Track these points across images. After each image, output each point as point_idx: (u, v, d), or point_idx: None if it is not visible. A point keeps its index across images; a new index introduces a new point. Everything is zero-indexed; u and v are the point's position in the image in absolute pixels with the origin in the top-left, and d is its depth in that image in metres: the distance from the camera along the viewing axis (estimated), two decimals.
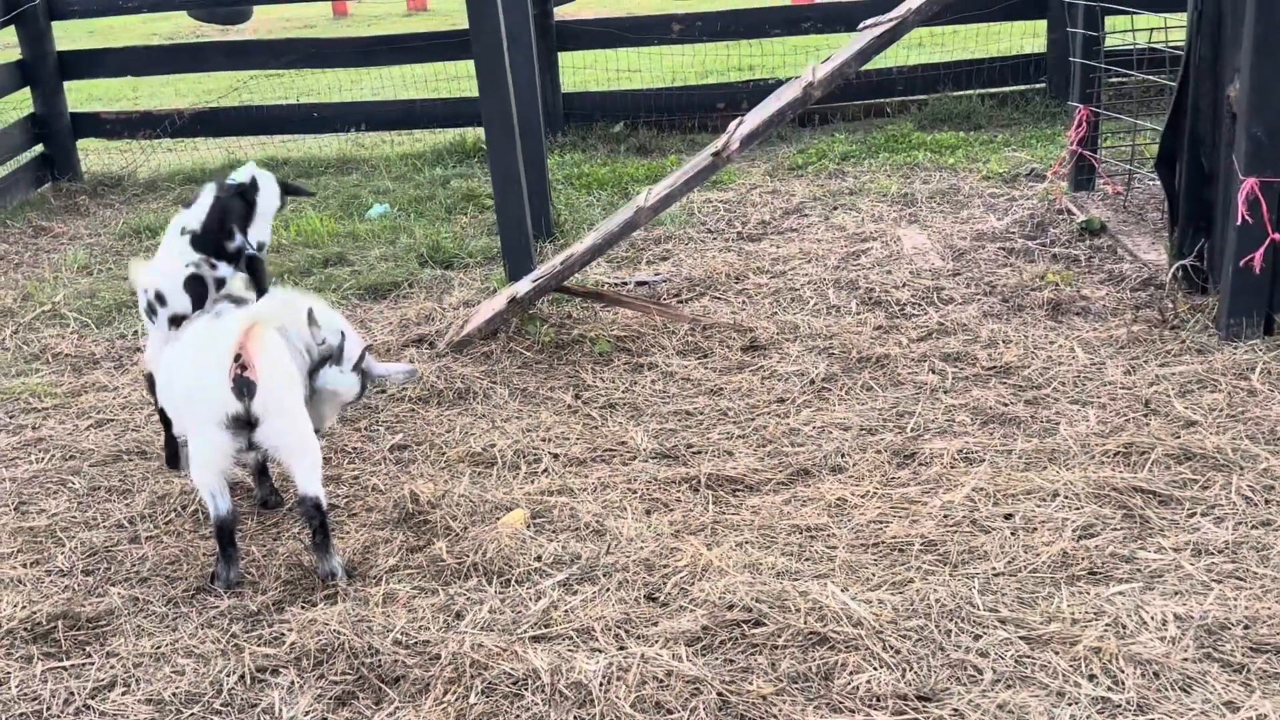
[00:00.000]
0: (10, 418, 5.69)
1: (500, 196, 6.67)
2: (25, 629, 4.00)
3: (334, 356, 4.52)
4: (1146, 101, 8.02)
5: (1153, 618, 3.61)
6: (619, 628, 3.78)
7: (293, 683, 3.65)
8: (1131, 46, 7.52)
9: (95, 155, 10.85)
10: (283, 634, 3.87)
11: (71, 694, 3.69)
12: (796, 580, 3.92)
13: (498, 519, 4.45)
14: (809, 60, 6.47)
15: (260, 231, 4.60)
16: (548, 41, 9.96)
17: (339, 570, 4.14)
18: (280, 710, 3.54)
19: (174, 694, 3.64)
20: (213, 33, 17.98)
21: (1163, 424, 4.76)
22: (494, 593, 4.02)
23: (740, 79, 11.14)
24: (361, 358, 4.65)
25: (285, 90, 12.16)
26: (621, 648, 3.67)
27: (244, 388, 3.95)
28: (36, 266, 8.02)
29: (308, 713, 3.52)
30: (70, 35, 13.43)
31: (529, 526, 4.43)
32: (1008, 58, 10.31)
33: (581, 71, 11.19)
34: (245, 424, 4.00)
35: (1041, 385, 5.21)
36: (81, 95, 13.04)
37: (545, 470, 4.86)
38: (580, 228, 7.73)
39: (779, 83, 8.89)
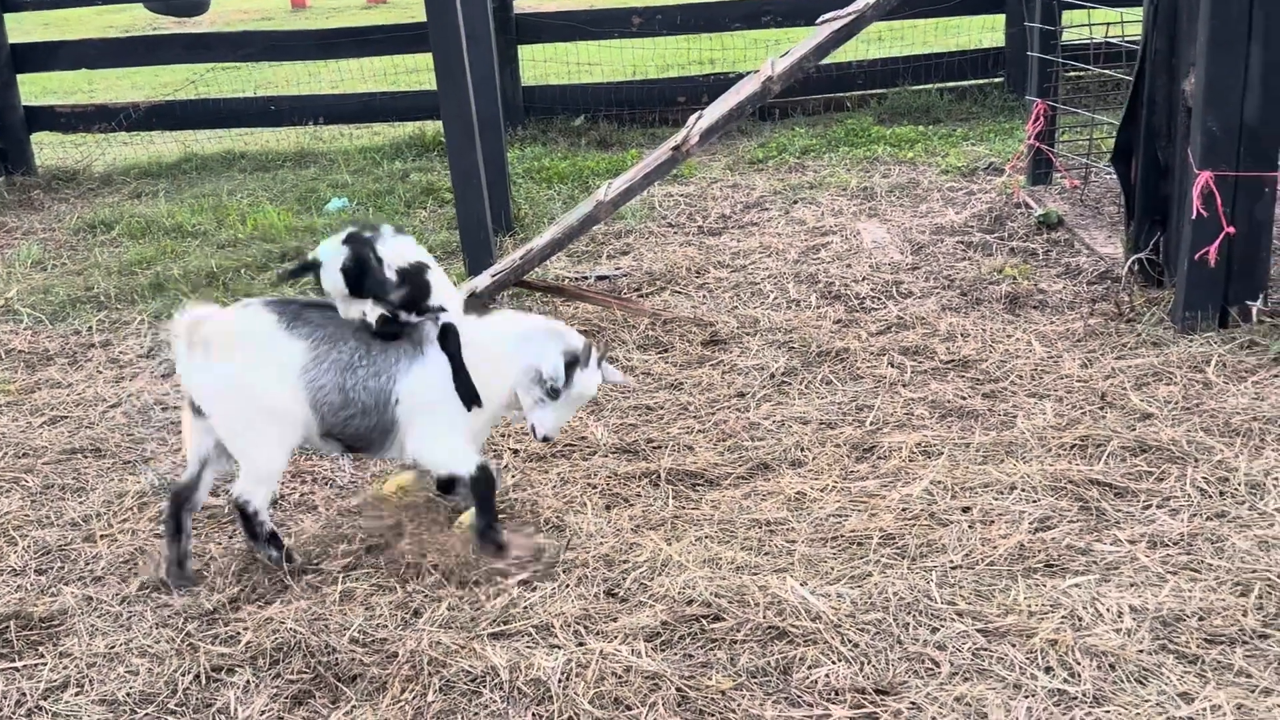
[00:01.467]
0: None
1: (459, 191, 6.64)
2: None
3: (580, 359, 4.19)
4: (1103, 96, 8.07)
5: (1109, 610, 3.63)
6: (578, 624, 3.76)
7: (248, 682, 3.62)
8: (1089, 41, 7.56)
9: (50, 149, 10.74)
10: (238, 633, 3.83)
11: (24, 695, 3.64)
12: (756, 574, 3.92)
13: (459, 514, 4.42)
14: (769, 54, 6.48)
15: (345, 309, 4.17)
16: (507, 35, 9.93)
17: (274, 556, 4.18)
18: (236, 710, 3.51)
19: (128, 694, 3.60)
20: (170, 25, 17.82)
21: (1119, 416, 4.80)
22: (452, 590, 4.00)
23: (700, 73, 11.12)
24: (598, 357, 4.32)
25: (242, 83, 12.08)
26: (581, 644, 3.66)
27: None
28: None
29: (263, 712, 3.49)
30: (24, 27, 13.26)
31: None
32: (966, 52, 10.35)
33: (541, 65, 11.15)
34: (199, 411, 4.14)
35: (999, 378, 5.24)
36: (35, 89, 12.89)
37: (505, 465, 4.84)
38: (540, 222, 7.71)
39: (739, 77, 8.88)
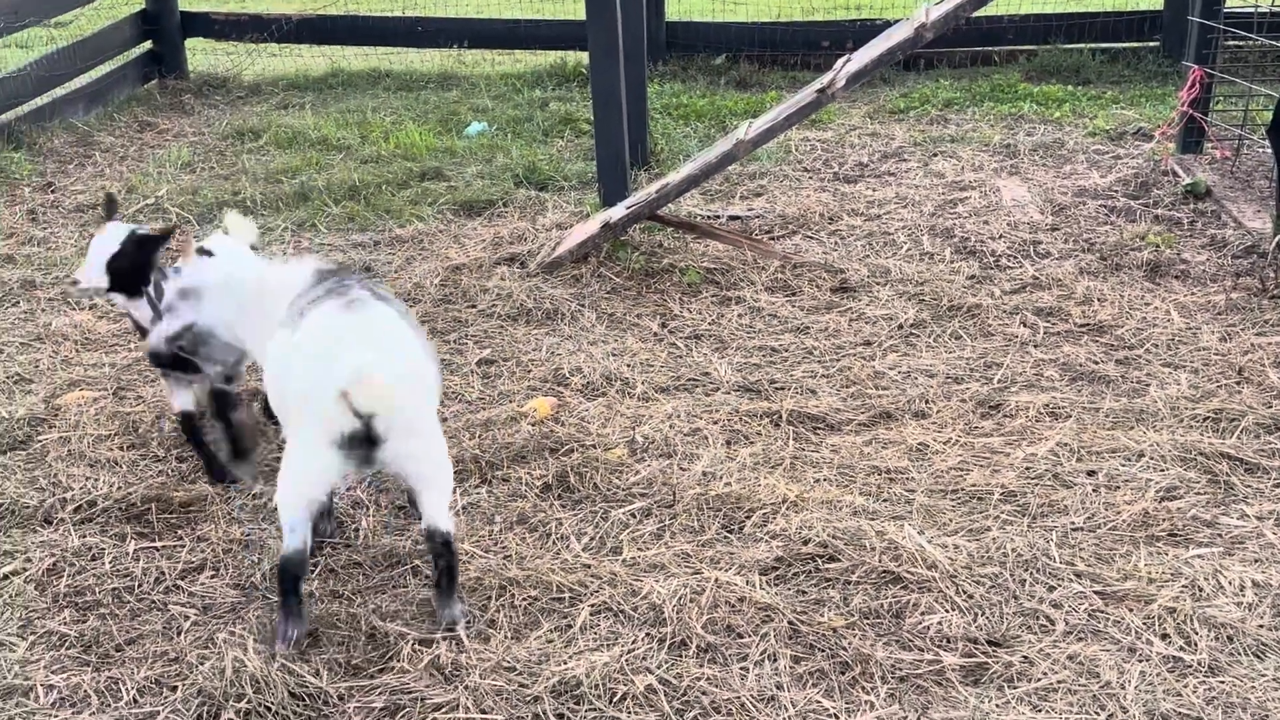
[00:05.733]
0: (111, 306, 5.82)
1: (600, 121, 6.67)
2: (120, 509, 4.15)
3: None
4: (1263, 67, 7.82)
5: (1230, 583, 3.59)
6: (695, 554, 3.83)
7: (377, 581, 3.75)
8: (1253, 9, 7.32)
9: (202, 55, 10.99)
10: (369, 539, 3.97)
11: (162, 573, 3.83)
12: (873, 520, 3.95)
13: (603, 446, 4.50)
14: (918, 2, 6.40)
15: None
16: None
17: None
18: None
19: (263, 576, 3.76)
20: None
21: (1255, 392, 4.70)
22: (573, 513, 4.09)
23: (847, 18, 10.98)
24: None
25: (390, 2, 12.21)
26: (696, 572, 3.73)
27: None
28: (141, 161, 8.17)
29: (374, 610, 3.62)
30: None
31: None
32: (1122, 13, 10.07)
33: (687, 1, 11.10)
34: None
35: (1134, 346, 5.16)
36: None
37: (629, 396, 4.90)
38: (676, 158, 7.72)
39: (886, 24, 8.77)
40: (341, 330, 3.43)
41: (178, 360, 4.19)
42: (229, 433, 4.32)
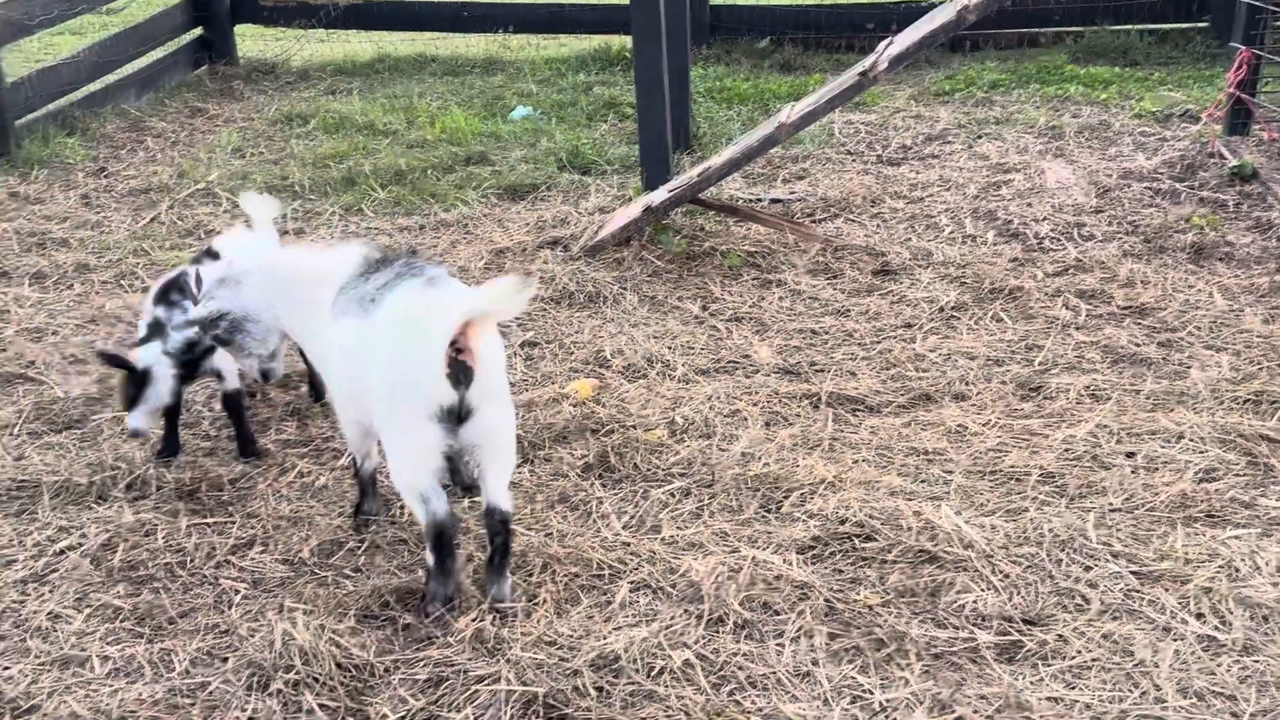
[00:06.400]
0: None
1: (642, 105, 6.71)
2: (171, 487, 4.24)
3: None
4: None
5: (1267, 563, 3.60)
6: (733, 532, 3.88)
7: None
8: None
9: (251, 41, 11.11)
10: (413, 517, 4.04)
11: (213, 549, 3.92)
12: (911, 500, 3.98)
13: (644, 427, 4.55)
14: None
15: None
16: None
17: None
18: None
19: (310, 552, 3.85)
20: None
21: None
22: (613, 492, 4.15)
23: (891, 0, 10.95)
24: None
25: None
26: (734, 551, 3.78)
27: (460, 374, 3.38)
28: (192, 146, 8.29)
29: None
30: None
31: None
32: None
33: None
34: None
35: (1176, 328, 5.15)
36: None
37: (669, 377, 4.96)
38: (719, 141, 7.75)
39: (930, 6, 8.73)
40: (428, 305, 3.44)
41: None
42: (241, 431, 4.47)
